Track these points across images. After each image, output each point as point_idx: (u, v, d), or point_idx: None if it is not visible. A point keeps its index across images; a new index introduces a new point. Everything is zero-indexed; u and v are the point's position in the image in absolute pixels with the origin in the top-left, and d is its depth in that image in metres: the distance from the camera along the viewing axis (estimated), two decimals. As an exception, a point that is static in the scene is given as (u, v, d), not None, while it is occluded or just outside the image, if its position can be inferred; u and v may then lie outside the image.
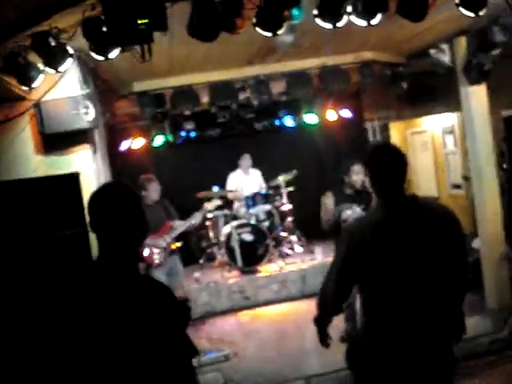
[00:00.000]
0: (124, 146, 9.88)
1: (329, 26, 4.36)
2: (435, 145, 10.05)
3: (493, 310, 6.79)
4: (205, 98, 7.37)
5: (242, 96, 7.60)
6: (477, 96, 6.82)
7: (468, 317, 6.71)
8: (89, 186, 4.99)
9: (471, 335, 6.15)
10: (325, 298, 3.23)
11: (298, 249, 9.96)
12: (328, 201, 6.06)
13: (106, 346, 2.08)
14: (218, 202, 7.99)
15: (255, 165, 10.37)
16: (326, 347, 3.38)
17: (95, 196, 2.32)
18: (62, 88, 5.17)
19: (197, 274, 9.05)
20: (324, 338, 3.36)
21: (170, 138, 10.30)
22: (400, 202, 3.06)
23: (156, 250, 6.84)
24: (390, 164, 3.05)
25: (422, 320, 3.03)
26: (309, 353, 6.61)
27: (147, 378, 2.11)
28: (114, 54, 4.16)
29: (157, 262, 6.83)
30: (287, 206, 10.04)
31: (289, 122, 10.82)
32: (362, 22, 4.37)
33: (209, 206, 7.76)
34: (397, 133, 11.06)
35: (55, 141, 5.27)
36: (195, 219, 7.28)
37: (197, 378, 2.37)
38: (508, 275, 6.74)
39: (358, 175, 5.92)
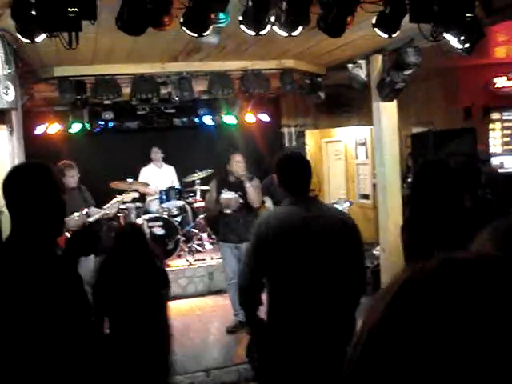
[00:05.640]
0: (39, 130, 9.71)
1: (252, 33, 4.54)
2: (347, 155, 10.44)
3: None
4: (126, 90, 7.36)
5: (163, 91, 7.64)
6: (387, 112, 7.11)
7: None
8: (2, 167, 4.94)
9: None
10: (244, 285, 3.46)
11: (208, 246, 10.09)
12: (211, 185, 6.96)
13: (10, 322, 2.10)
14: (134, 195, 8.06)
15: (172, 160, 10.44)
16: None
17: (13, 174, 2.36)
18: (-18, 66, 5.06)
19: (104, 264, 8.99)
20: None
21: (88, 126, 10.15)
22: (303, 202, 3.37)
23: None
24: (295, 167, 3.47)
25: (318, 315, 3.26)
26: (210, 346, 6.77)
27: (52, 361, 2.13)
28: (41, 37, 4.16)
29: None
30: (200, 203, 10.14)
31: (208, 120, 10.90)
32: (284, 33, 4.58)
33: (125, 197, 7.79)
34: (312, 140, 11.38)
35: (-29, 118, 5.16)
36: (110, 209, 7.26)
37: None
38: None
39: (237, 164, 6.65)
